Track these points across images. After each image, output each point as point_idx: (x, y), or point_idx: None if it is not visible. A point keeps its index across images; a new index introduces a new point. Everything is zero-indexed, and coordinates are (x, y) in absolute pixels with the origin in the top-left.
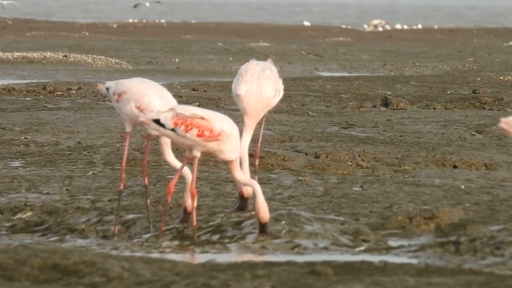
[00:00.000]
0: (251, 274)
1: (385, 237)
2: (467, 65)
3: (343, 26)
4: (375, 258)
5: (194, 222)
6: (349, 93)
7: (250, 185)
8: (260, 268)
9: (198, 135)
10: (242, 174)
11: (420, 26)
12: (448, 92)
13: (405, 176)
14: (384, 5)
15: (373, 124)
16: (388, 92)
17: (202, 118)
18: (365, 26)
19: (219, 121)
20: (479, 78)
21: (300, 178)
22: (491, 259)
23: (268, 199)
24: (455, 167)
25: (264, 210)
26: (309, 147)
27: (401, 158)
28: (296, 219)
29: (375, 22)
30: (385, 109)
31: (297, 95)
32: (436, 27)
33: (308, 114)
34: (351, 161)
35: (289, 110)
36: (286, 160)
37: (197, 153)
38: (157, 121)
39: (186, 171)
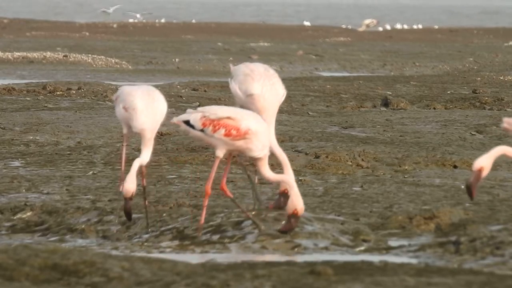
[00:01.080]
0: (251, 274)
1: (385, 237)
2: (467, 65)
3: (343, 26)
4: (375, 258)
5: (202, 221)
6: (349, 93)
7: (282, 180)
8: (260, 268)
9: (226, 135)
10: (270, 171)
11: (420, 26)
12: (448, 92)
13: (405, 176)
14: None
15: (373, 124)
16: (388, 92)
17: (229, 117)
18: (361, 26)
19: (245, 119)
20: (479, 78)
21: (300, 178)
22: (491, 259)
23: (268, 200)
24: (455, 167)
25: (298, 203)
26: (309, 147)
27: (401, 158)
28: None
29: (367, 21)
30: (385, 109)
31: (297, 95)
32: (436, 27)
33: (308, 114)
34: (351, 161)
35: (289, 110)
36: None
37: (220, 153)
38: (187, 122)
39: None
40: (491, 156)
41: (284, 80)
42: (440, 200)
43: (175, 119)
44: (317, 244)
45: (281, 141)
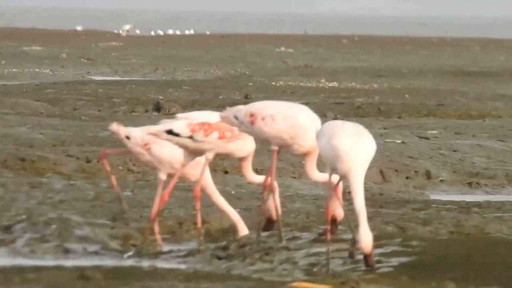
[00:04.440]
0: (20, 278)
1: (155, 242)
2: (239, 70)
3: (116, 31)
4: (144, 263)
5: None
6: (121, 98)
7: (261, 181)
8: (30, 272)
9: (220, 137)
10: (254, 173)
11: (192, 32)
12: (220, 97)
13: (176, 181)
14: (158, 11)
15: None
16: (160, 97)
17: (222, 121)
18: (120, 31)
19: None
20: (251, 84)
21: (71, 182)
22: (260, 265)
23: (39, 204)
24: (226, 172)
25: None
26: (81, 152)
27: None
28: (67, 223)
29: (127, 27)
30: (157, 113)
31: (69, 99)
32: (208, 32)
33: (81, 118)
34: (122, 166)
35: (62, 114)
36: (57, 164)
37: (210, 156)
38: (169, 132)
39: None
40: (336, 202)
41: (56, 83)
42: (211, 206)
43: (153, 130)
44: (86, 249)
45: (52, 145)
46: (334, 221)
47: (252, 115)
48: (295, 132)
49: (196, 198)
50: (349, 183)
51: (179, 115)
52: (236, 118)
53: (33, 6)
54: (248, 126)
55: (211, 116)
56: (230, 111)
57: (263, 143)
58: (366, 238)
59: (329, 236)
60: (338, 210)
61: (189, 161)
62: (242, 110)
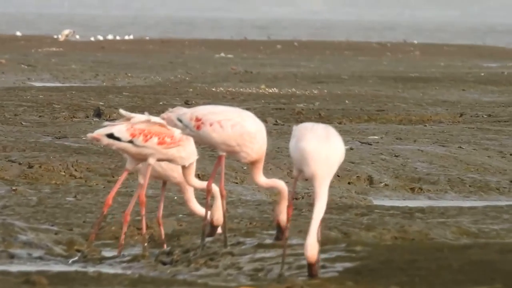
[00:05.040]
0: None
1: (99, 247)
2: (179, 76)
3: (55, 37)
4: (89, 268)
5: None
6: (61, 103)
7: (204, 187)
8: None
9: (159, 143)
10: (196, 179)
11: (131, 37)
12: (161, 103)
13: (119, 187)
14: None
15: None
16: (101, 103)
17: (161, 125)
18: (59, 36)
19: None
20: (191, 89)
21: (13, 188)
22: (205, 270)
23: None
24: None
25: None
26: (22, 157)
27: (114, 168)
28: (10, 228)
29: (66, 32)
30: (98, 119)
31: (10, 105)
32: (147, 38)
33: (22, 124)
34: (64, 171)
35: (2, 120)
36: None
37: (152, 161)
38: (110, 136)
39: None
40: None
41: None
42: (154, 211)
43: (94, 134)
44: (31, 254)
45: None
46: (278, 226)
47: (198, 119)
48: (243, 140)
49: (141, 204)
50: (314, 188)
51: (122, 111)
52: (180, 121)
53: None
54: (194, 130)
55: (152, 120)
56: (173, 113)
57: (209, 147)
58: (312, 247)
59: (283, 240)
60: (281, 215)
61: (133, 166)
62: (187, 113)
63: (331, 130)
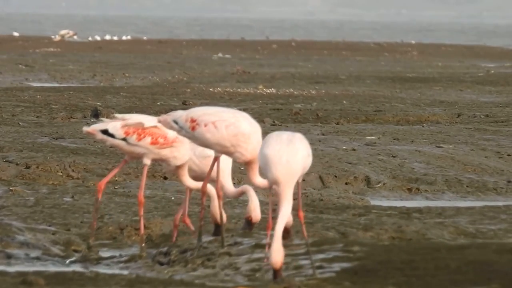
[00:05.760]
0: None
1: (97, 247)
2: (176, 76)
3: (53, 37)
4: (86, 269)
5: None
6: (59, 104)
7: (198, 188)
8: None
9: (152, 143)
10: (190, 179)
11: (129, 37)
12: (158, 103)
13: (116, 187)
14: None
15: (84, 135)
16: (99, 103)
17: (155, 126)
18: (56, 36)
19: None
20: (189, 90)
21: (11, 188)
22: (202, 270)
23: None
24: (165, 178)
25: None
26: (20, 157)
27: (111, 169)
28: (8, 229)
29: (63, 32)
30: (95, 120)
31: (7, 106)
32: (145, 38)
33: (19, 124)
34: (61, 172)
35: (0, 120)
36: None
37: (148, 161)
38: (105, 132)
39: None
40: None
41: None
42: (151, 211)
43: (89, 128)
44: (28, 254)
45: None
46: (249, 221)
47: (193, 120)
48: (237, 140)
49: (140, 204)
50: (278, 193)
51: (117, 115)
52: (176, 123)
53: None
54: (189, 131)
55: (147, 119)
56: (169, 116)
57: (205, 148)
58: (276, 253)
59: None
60: (254, 212)
61: (132, 160)
62: (182, 115)
63: (296, 136)
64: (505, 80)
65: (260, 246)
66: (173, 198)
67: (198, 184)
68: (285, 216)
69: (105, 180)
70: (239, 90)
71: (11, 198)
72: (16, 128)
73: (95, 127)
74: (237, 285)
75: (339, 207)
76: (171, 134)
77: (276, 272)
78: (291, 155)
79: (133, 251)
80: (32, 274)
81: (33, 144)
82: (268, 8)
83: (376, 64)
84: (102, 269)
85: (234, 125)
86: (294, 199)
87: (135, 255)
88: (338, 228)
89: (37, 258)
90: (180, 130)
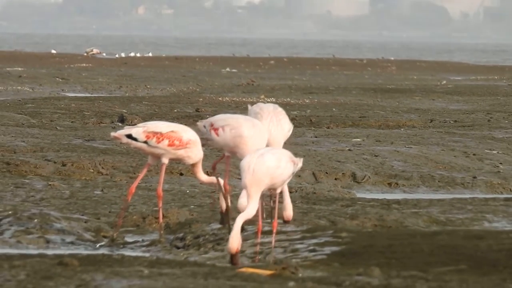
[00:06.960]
0: (8, 264)
1: (123, 233)
2: (190, 88)
3: (85, 54)
4: (113, 252)
5: (161, 219)
6: (90, 111)
7: (213, 182)
8: (16, 259)
9: (169, 145)
10: (204, 174)
11: (150, 54)
12: (175, 110)
13: (139, 182)
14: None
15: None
16: (124, 110)
17: (172, 131)
18: (84, 53)
19: (185, 131)
20: (201, 99)
21: (49, 183)
22: (213, 253)
23: (22, 201)
24: (181, 174)
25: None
26: (57, 157)
27: (136, 166)
28: (47, 218)
29: (88, 50)
30: (121, 124)
31: (46, 112)
32: (164, 55)
33: (57, 128)
34: (93, 169)
35: (40, 125)
36: (37, 168)
37: (166, 160)
38: (129, 136)
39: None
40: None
41: (34, 99)
42: (169, 203)
43: (115, 133)
44: (64, 240)
45: (33, 151)
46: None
47: (211, 125)
48: (236, 142)
49: (158, 197)
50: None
51: (139, 124)
52: (205, 127)
53: (10, 32)
54: (208, 134)
55: (164, 125)
56: (201, 122)
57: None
58: (233, 240)
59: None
60: (223, 203)
61: (153, 162)
62: (208, 120)
63: (274, 150)
64: (470, 91)
65: (262, 233)
66: (188, 191)
67: (210, 179)
68: (248, 214)
69: (135, 184)
70: (243, 99)
71: (50, 191)
72: (54, 131)
73: (121, 133)
74: (243, 265)
75: (330, 199)
76: (185, 137)
77: (232, 257)
78: (258, 165)
79: (154, 237)
80: (67, 256)
81: (68, 145)
82: (269, 30)
83: (360, 77)
84: (127, 252)
85: (236, 128)
86: (290, 193)
87: (155, 240)
88: (328, 217)
89: (72, 243)
90: (205, 133)
